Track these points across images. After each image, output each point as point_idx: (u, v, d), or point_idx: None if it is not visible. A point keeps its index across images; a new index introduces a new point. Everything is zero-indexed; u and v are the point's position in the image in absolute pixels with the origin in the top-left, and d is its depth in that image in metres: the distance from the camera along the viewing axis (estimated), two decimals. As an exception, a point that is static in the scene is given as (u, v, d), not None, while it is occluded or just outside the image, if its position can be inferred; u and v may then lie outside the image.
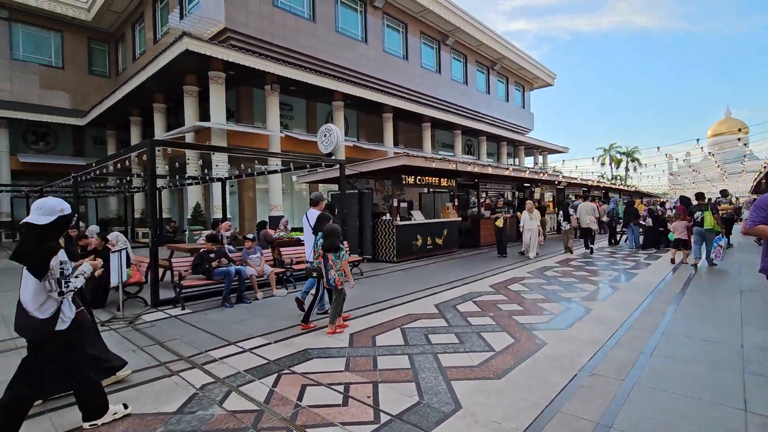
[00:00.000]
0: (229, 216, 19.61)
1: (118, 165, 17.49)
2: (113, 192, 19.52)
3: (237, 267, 5.81)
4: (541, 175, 13.74)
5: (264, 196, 17.44)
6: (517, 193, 15.14)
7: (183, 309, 5.35)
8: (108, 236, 5.87)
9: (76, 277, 2.39)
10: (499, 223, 9.58)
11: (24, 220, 2.26)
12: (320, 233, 4.49)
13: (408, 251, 9.50)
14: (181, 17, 17.89)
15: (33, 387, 2.33)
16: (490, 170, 10.72)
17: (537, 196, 15.85)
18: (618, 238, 12.81)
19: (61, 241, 2.41)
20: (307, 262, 5.13)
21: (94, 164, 8.69)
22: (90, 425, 2.49)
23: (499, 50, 29.19)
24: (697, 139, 20.79)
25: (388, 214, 9.75)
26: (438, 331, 4.30)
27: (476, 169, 10.37)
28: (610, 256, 10.38)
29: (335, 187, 11.27)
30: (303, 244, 8.97)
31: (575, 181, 16.87)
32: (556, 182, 15.33)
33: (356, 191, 9.85)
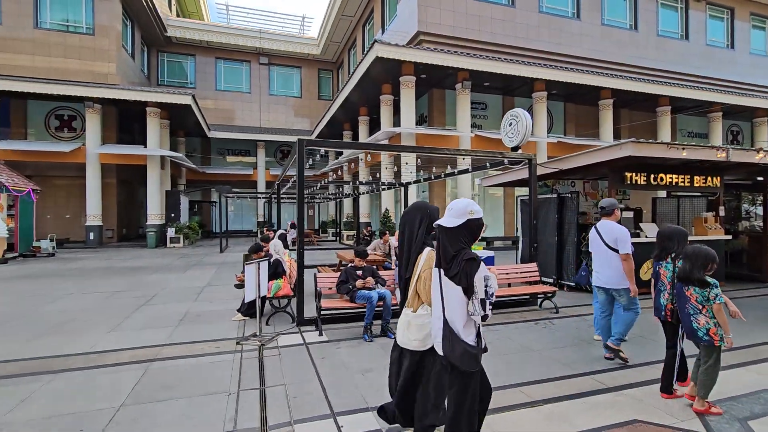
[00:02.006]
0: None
1: (334, 174, 19.48)
2: (330, 198, 22.19)
3: (381, 291, 4.71)
4: None
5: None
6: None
7: (320, 334, 4.58)
8: (269, 244, 5.71)
9: (492, 296, 1.96)
10: None
11: (436, 222, 2.09)
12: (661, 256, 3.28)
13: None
14: (383, 33, 18.85)
15: (471, 425, 2.04)
16: (798, 160, 6.50)
17: None
18: None
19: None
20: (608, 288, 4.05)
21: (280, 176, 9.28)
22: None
23: (795, -10, 19.98)
24: None
25: (601, 228, 7.03)
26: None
27: (766, 160, 6.42)
28: None
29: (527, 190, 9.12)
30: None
31: None
32: None
33: (555, 196, 7.52)
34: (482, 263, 1.97)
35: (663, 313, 3.18)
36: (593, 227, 4.25)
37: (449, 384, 2.05)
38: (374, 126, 20.34)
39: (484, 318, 1.96)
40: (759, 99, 19.15)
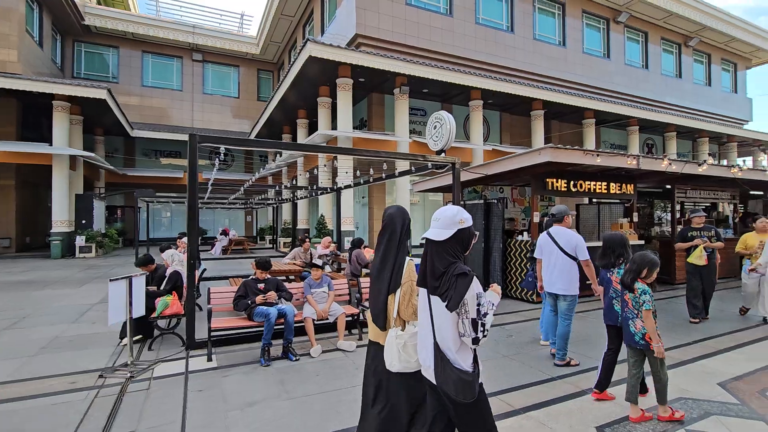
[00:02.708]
0: (356, 226, 19.17)
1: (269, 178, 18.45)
2: (270, 203, 21.14)
3: (282, 307, 4.19)
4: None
5: (392, 208, 16.20)
6: (737, 205, 10.17)
7: (209, 359, 3.96)
8: (165, 254, 4.97)
9: (485, 315, 1.68)
10: (699, 258, 5.57)
11: (423, 235, 1.88)
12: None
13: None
14: (322, 34, 18.38)
15: None
16: (700, 169, 6.89)
17: (776, 209, 10.44)
18: None
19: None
20: (556, 295, 4.13)
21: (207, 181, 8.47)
22: None
23: (697, 19, 22.28)
24: None
25: (525, 234, 7.03)
26: None
27: (672, 168, 6.74)
28: None
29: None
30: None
31: None
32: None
33: (481, 202, 7.43)
34: (475, 278, 1.73)
35: (619, 318, 3.15)
36: (545, 233, 4.24)
37: (458, 422, 1.77)
38: (314, 129, 19.69)
39: (475, 341, 1.69)
40: (669, 115, 21.02)
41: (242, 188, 11.43)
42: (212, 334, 4.12)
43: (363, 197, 18.65)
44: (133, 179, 22.71)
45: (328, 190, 11.48)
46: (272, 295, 4.29)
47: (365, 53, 13.22)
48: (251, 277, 4.55)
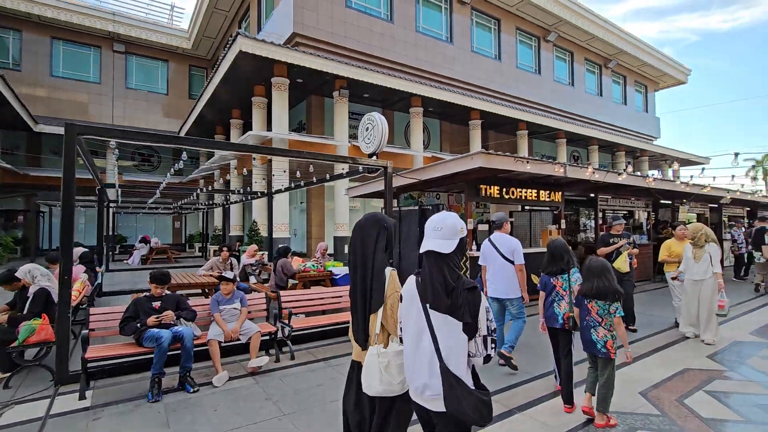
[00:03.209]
0: (293, 233, 18.41)
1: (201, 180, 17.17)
2: (201, 207, 19.61)
3: (179, 329, 3.59)
4: (707, 189, 9.49)
5: (332, 214, 15.69)
6: (650, 213, 10.97)
7: (82, 397, 3.25)
8: (18, 272, 4.11)
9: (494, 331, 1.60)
10: (624, 263, 5.70)
11: (427, 248, 1.62)
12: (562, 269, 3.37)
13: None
14: (259, 32, 17.54)
15: None
16: (620, 178, 7.24)
17: (683, 217, 11.42)
18: None
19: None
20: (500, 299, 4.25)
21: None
22: None
23: (614, 44, 24.35)
24: None
25: (459, 241, 6.92)
26: None
27: (596, 177, 7.00)
28: None
29: (395, 202, 8.80)
30: (336, 283, 6.62)
31: (741, 197, 11.93)
32: (722, 199, 10.74)
33: (416, 208, 7.23)
34: (482, 292, 1.62)
35: (561, 322, 3.22)
36: (487, 240, 4.37)
37: None
38: (249, 130, 18.72)
39: (487, 359, 1.60)
40: (592, 130, 22.69)
41: (157, 191, 10.32)
42: (88, 365, 3.40)
43: (301, 202, 17.98)
44: (38, 180, 20.07)
45: (259, 194, 10.74)
46: (169, 315, 3.66)
47: (302, 52, 12.70)
48: (144, 294, 3.88)
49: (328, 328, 5.07)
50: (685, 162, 28.38)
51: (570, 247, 3.54)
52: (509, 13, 20.95)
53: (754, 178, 43.47)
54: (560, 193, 7.99)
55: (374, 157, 5.82)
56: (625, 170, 7.44)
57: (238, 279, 6.44)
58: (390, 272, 1.86)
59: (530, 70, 22.25)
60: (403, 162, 15.91)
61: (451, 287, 1.57)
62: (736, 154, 6.27)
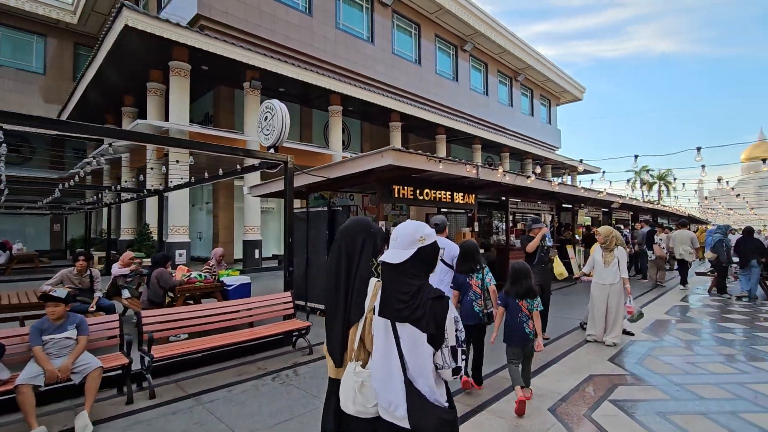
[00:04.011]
0: (198, 236, 16.67)
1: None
2: (86, 207, 16.80)
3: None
4: (602, 194, 10.18)
5: (243, 216, 14.37)
6: (554, 216, 11.60)
7: None
8: None
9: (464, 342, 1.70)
10: (561, 269, 5.77)
11: (380, 259, 1.60)
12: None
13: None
14: (159, 11, 15.56)
15: None
16: (528, 182, 7.34)
17: (581, 220, 12.28)
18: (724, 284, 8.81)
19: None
20: None
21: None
22: None
23: (523, 59, 26.14)
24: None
25: (371, 245, 6.43)
26: None
27: (507, 179, 7.00)
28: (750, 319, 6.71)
29: (302, 203, 8.09)
30: (227, 297, 5.73)
31: (628, 202, 13.22)
32: (613, 204, 11.72)
33: (325, 209, 6.61)
34: (449, 301, 1.52)
35: (480, 318, 3.53)
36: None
37: None
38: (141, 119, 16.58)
39: (456, 371, 1.48)
40: (505, 137, 24.07)
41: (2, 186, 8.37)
42: None
43: (207, 203, 16.36)
44: None
45: (145, 192, 9.28)
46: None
47: (205, 35, 11.39)
48: None
49: (217, 352, 4.21)
50: (581, 171, 31.51)
51: (479, 248, 3.78)
52: (429, 20, 21.32)
53: (633, 188, 50.13)
54: (474, 195, 7.93)
55: (272, 150, 5.08)
56: (534, 172, 7.59)
57: (100, 295, 5.23)
58: (375, 283, 1.70)
59: (449, 77, 22.90)
60: (322, 162, 15.16)
61: (408, 297, 1.49)
62: (636, 156, 6.61)
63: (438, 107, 21.07)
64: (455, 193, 7.42)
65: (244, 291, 5.73)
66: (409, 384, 1.47)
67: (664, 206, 17.95)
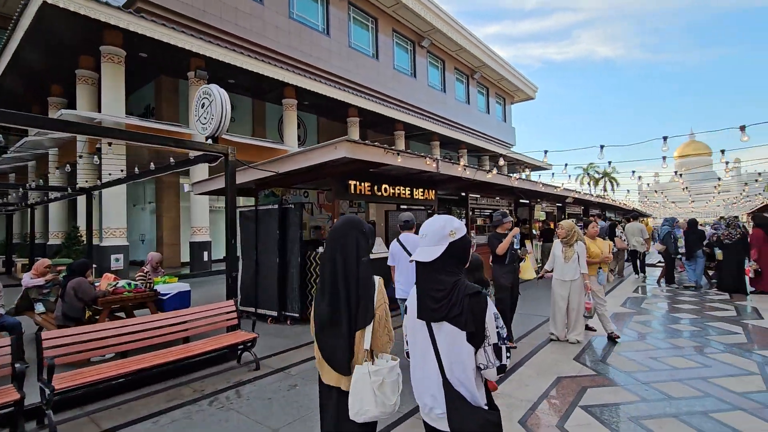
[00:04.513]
0: (140, 239, 15.39)
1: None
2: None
3: None
4: (559, 189, 10.31)
5: (189, 216, 13.35)
6: (512, 212, 11.67)
7: None
8: None
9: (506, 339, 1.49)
10: (529, 270, 5.69)
11: (411, 258, 1.53)
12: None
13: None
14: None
15: None
16: (489, 177, 7.19)
17: (537, 215, 12.46)
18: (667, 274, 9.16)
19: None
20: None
21: None
22: None
23: (479, 57, 26.48)
24: (664, 157, 18.05)
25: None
26: None
27: (467, 174, 6.79)
28: (698, 310, 6.87)
29: (250, 200, 7.49)
30: (163, 308, 5.09)
31: (581, 197, 13.61)
32: (567, 199, 11.96)
33: (275, 207, 6.08)
34: (488, 297, 1.46)
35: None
36: (396, 241, 4.31)
37: None
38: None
39: (501, 369, 1.42)
40: (463, 134, 24.27)
41: None
42: None
43: (150, 202, 15.13)
44: None
45: (69, 190, 8.26)
46: None
47: (140, 17, 10.36)
48: None
49: (146, 374, 3.61)
50: (534, 167, 32.58)
51: None
52: (386, 14, 20.98)
53: (581, 183, 52.73)
54: (434, 191, 7.68)
55: (209, 141, 4.51)
56: (496, 165, 7.46)
57: (2, 312, 4.42)
58: (379, 281, 1.72)
59: (407, 72, 22.70)
60: (272, 155, 14.45)
61: (441, 295, 1.45)
62: (602, 146, 6.53)
63: (396, 103, 20.81)
64: (415, 189, 7.13)
65: (182, 300, 5.11)
66: (447, 386, 1.42)
67: (613, 200, 18.79)
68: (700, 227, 8.98)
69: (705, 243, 8.35)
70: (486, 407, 1.42)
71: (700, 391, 3.39)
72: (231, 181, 4.46)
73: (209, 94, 4.62)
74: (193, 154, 5.54)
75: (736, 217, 18.63)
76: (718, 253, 8.12)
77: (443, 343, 1.43)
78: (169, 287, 5.21)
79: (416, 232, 3.96)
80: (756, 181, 19.22)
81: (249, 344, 4.16)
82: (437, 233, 1.49)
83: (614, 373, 3.85)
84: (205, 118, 4.67)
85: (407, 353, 1.60)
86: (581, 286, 4.70)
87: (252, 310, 6.27)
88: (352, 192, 5.87)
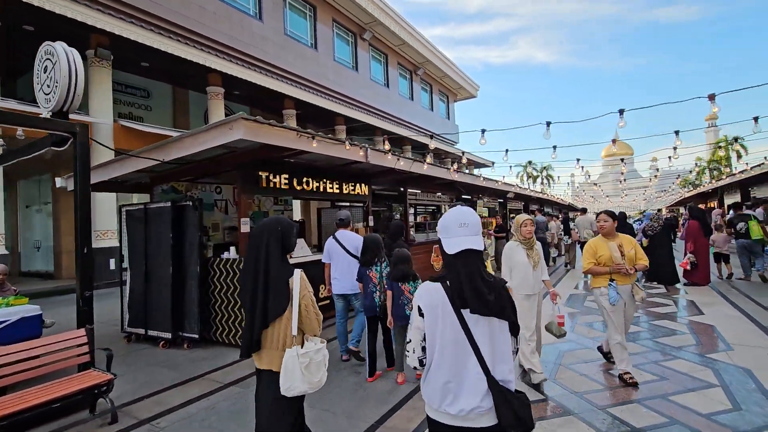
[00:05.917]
0: (36, 246, 13.18)
1: None
2: None
3: None
4: (499, 183, 9.94)
5: (92, 218, 11.49)
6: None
7: None
8: None
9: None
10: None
11: (466, 247, 1.40)
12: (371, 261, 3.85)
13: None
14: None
15: None
16: (425, 168, 6.53)
17: (480, 211, 12.13)
18: None
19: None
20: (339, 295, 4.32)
21: None
22: None
23: (423, 53, 26.19)
24: (578, 159, 19.08)
25: (233, 249, 4.97)
26: None
27: (401, 165, 6.04)
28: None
29: (145, 196, 6.26)
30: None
31: (521, 192, 13.52)
32: (508, 194, 11.70)
33: (168, 205, 4.93)
34: None
35: (378, 310, 3.73)
36: (331, 238, 4.35)
37: None
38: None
39: (515, 353, 1.50)
40: (406, 130, 23.77)
41: None
42: None
43: (46, 203, 12.97)
44: None
45: None
46: None
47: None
48: None
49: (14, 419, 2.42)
50: (477, 164, 33.05)
51: (381, 242, 3.90)
52: (325, 2, 19.88)
53: (522, 180, 54.97)
54: (368, 186, 6.87)
55: (47, 114, 3.33)
56: (429, 153, 6.81)
57: None
58: (300, 273, 1.90)
59: (348, 65, 21.77)
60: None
61: (491, 287, 1.40)
62: (549, 123, 6.17)
63: (337, 96, 19.83)
64: (345, 183, 6.27)
65: (27, 330, 3.85)
66: (492, 382, 1.35)
67: (552, 196, 19.21)
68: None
69: (636, 237, 8.35)
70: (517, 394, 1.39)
71: (664, 416, 2.85)
72: (83, 168, 3.33)
73: (51, 55, 3.44)
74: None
75: (659, 210, 19.78)
76: (644, 241, 8.17)
77: (483, 337, 1.39)
78: (10, 311, 3.92)
79: (319, 233, 3.14)
80: (676, 179, 20.61)
81: (104, 389, 3.07)
82: (477, 223, 1.47)
83: (567, 397, 3.25)
84: (48, 86, 3.48)
85: (421, 360, 1.44)
86: (541, 296, 3.69)
87: (142, 332, 5.09)
88: (264, 186, 4.88)
